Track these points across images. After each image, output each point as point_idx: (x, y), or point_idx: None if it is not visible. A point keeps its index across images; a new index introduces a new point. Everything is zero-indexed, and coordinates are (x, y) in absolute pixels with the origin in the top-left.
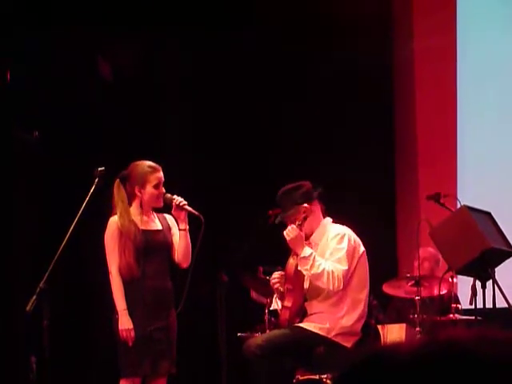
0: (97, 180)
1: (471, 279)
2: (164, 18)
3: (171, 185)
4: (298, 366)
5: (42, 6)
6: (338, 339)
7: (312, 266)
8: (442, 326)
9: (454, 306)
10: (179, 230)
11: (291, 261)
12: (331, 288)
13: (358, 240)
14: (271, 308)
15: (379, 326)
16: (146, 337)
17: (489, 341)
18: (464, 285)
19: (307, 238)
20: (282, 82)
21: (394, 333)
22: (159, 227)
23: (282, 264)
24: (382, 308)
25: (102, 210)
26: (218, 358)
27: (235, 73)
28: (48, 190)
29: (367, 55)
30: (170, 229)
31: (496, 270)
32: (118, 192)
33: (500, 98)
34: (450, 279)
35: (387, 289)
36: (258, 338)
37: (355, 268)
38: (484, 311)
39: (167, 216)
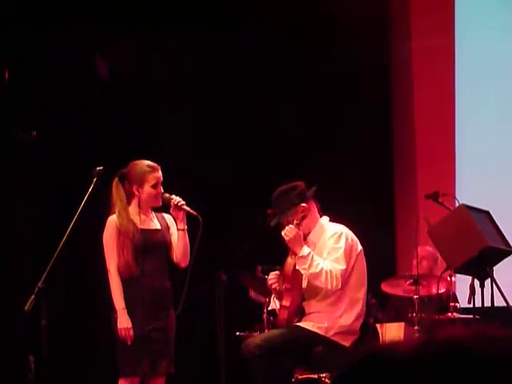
0: (95, 179)
1: (470, 278)
2: (164, 17)
3: (171, 185)
4: (297, 366)
5: (41, 6)
6: (337, 338)
7: (310, 266)
8: (440, 324)
9: (453, 304)
10: (178, 229)
11: (289, 260)
12: (329, 287)
13: (356, 238)
14: (269, 308)
15: (378, 325)
16: (144, 336)
17: (487, 339)
18: (462, 283)
19: (304, 237)
20: (282, 82)
21: (392, 332)
22: (158, 226)
23: (280, 263)
24: (380, 307)
25: (101, 209)
26: (216, 357)
27: (235, 73)
28: (48, 189)
29: (367, 55)
30: (168, 228)
31: (494, 268)
32: (117, 191)
33: (498, 98)
34: (449, 278)
35: (386, 287)
36: (257, 337)
37: (353, 267)
38: (482, 310)
39: (166, 215)
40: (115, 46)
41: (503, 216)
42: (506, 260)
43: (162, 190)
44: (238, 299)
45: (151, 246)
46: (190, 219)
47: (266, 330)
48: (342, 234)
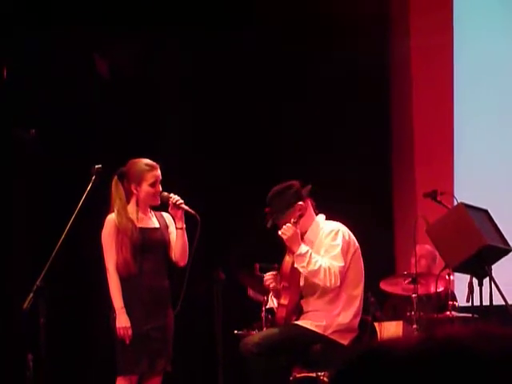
0: (94, 177)
1: (468, 277)
2: (164, 17)
3: (171, 185)
4: (295, 364)
5: (42, 6)
6: (335, 336)
7: (309, 263)
8: (438, 323)
9: (451, 303)
10: (176, 228)
11: (287, 258)
12: (328, 285)
13: (352, 236)
14: (267, 306)
15: (376, 324)
16: (142, 335)
17: (486, 337)
18: (461, 282)
19: (301, 236)
20: (282, 82)
21: (390, 330)
22: (156, 225)
23: (278, 262)
24: (379, 305)
25: (100, 207)
26: (214, 355)
27: (235, 73)
28: (48, 189)
29: (366, 55)
30: (167, 227)
31: (493, 267)
32: (116, 189)
33: (497, 97)
34: (447, 276)
35: (384, 286)
36: (255, 335)
37: (350, 264)
38: (481, 308)
39: (165, 214)
40: (115, 45)
41: (502, 214)
42: (504, 258)
43: (161, 189)
44: (237, 298)
45: (150, 244)
46: (188, 218)
47: (265, 329)
48: (338, 231)
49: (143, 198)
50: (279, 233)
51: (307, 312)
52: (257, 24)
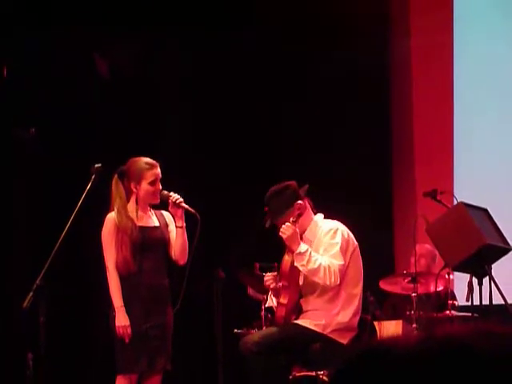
0: (93, 176)
1: (468, 276)
2: (164, 17)
3: (171, 184)
4: (295, 363)
5: (42, 6)
6: (334, 335)
7: (308, 262)
8: (438, 322)
9: (451, 302)
10: (176, 227)
11: (286, 257)
12: (328, 283)
13: (351, 234)
14: (267, 305)
15: (376, 323)
16: (142, 333)
17: (486, 335)
18: (460, 281)
19: (300, 235)
20: (282, 82)
21: (390, 329)
22: (156, 224)
23: (278, 261)
24: (378, 304)
25: (99, 206)
26: (214, 354)
27: (235, 73)
28: (48, 189)
29: (366, 55)
30: (167, 225)
31: (493, 266)
32: (117, 188)
33: (496, 97)
34: (447, 276)
35: (384, 285)
36: (255, 334)
37: (349, 262)
38: (480, 308)
39: (164, 213)
40: (115, 45)
41: (501, 213)
42: (504, 258)
43: (161, 188)
44: (236, 296)
45: (149, 243)
46: (188, 217)
47: (264, 328)
48: (337, 229)
49: (143, 197)
50: (280, 232)
51: (306, 311)
52: (257, 24)
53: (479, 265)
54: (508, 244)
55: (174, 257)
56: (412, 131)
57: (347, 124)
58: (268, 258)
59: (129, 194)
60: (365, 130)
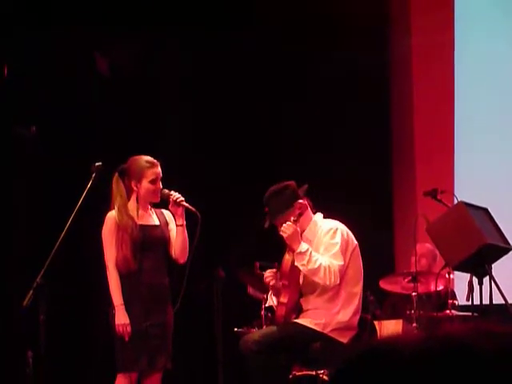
0: (94, 175)
1: (468, 275)
2: (164, 17)
3: (171, 184)
4: (295, 362)
5: (42, 6)
6: (334, 335)
7: (309, 261)
8: (438, 322)
9: (451, 302)
10: (176, 225)
11: (287, 257)
12: (328, 283)
13: (351, 233)
14: (267, 304)
15: (376, 322)
16: (142, 332)
17: (486, 335)
18: (461, 281)
19: (300, 235)
20: (282, 82)
21: (390, 329)
22: (157, 222)
23: (278, 260)
24: (378, 304)
25: (100, 205)
26: (214, 353)
27: (235, 73)
28: (48, 189)
29: (366, 55)
30: (167, 224)
31: (493, 266)
32: (117, 186)
33: (497, 96)
34: (447, 275)
35: (384, 285)
36: (255, 333)
37: (349, 262)
38: (481, 307)
39: (165, 211)
40: (115, 45)
41: (502, 213)
42: (504, 257)
43: (161, 186)
44: (236, 296)
45: (150, 241)
46: (188, 216)
47: (264, 327)
48: (337, 229)
49: (143, 195)
50: (280, 231)
51: (307, 310)
52: (257, 24)
53: (479, 264)
54: (508, 243)
55: (174, 255)
56: (412, 131)
57: (347, 124)
58: (268, 257)
59: (129, 192)
60: (365, 129)
